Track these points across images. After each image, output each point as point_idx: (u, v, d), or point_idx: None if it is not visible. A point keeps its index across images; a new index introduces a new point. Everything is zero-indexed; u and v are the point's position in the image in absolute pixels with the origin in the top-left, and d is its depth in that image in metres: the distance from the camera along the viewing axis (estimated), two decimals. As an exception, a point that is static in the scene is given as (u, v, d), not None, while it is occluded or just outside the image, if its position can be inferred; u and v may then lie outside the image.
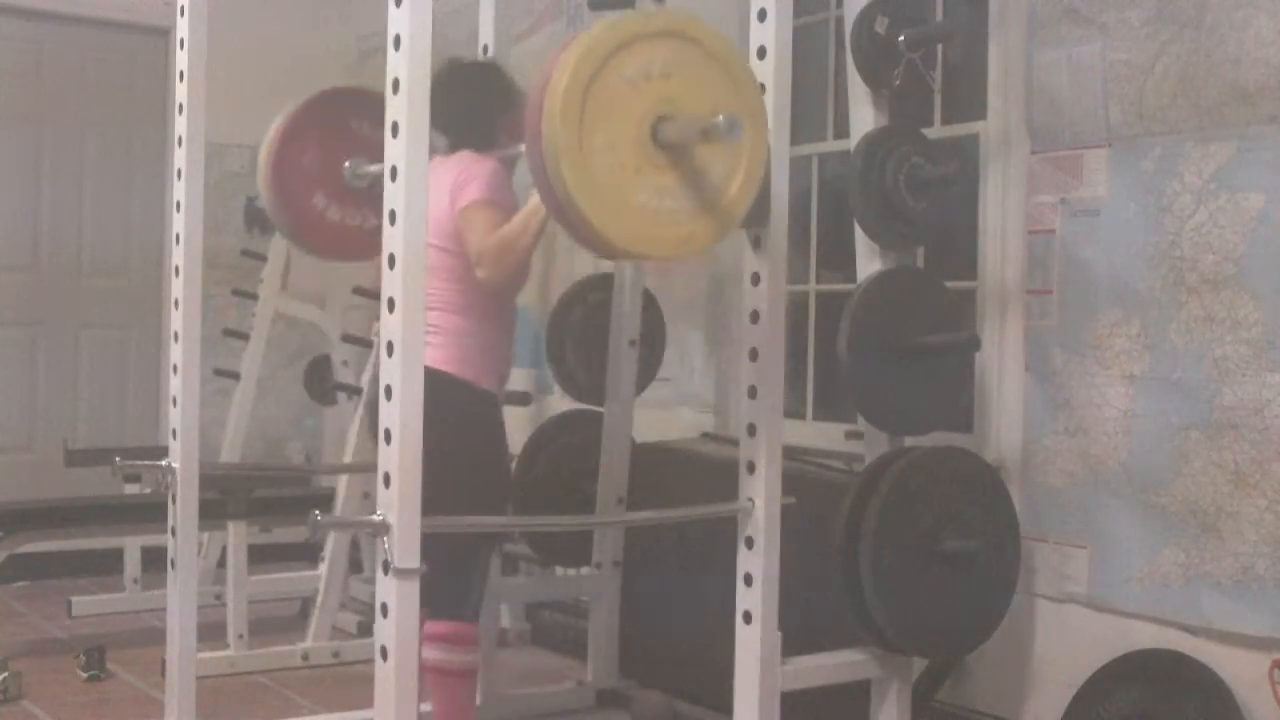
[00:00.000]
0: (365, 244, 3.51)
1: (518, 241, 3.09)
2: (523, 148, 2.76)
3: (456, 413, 3.11)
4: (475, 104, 3.38)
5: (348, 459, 4.75)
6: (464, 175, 3.19)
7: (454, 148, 3.34)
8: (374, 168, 3.43)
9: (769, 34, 2.92)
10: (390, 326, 2.45)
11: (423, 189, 2.44)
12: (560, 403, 4.50)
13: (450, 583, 3.14)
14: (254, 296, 5.42)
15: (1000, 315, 3.57)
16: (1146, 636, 3.18)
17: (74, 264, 6.03)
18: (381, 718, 2.47)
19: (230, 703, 4.08)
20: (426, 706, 3.24)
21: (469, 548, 3.19)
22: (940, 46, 3.55)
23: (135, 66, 6.10)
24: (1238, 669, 3.01)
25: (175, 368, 3.24)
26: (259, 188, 3.77)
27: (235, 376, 5.38)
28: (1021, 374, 3.50)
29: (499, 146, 3.34)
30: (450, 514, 2.77)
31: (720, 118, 2.44)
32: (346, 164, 3.67)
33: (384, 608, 2.45)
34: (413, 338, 2.44)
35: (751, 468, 2.98)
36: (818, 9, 4.28)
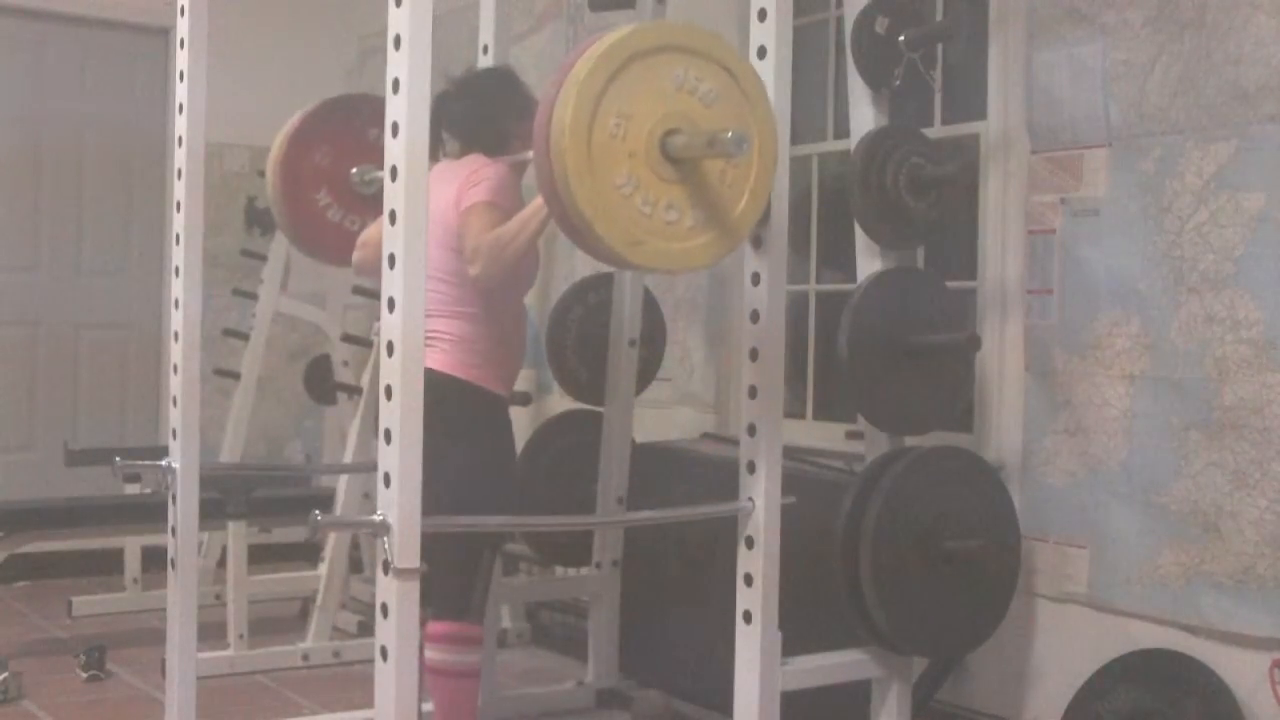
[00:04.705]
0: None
1: (514, 241, 3.04)
2: (532, 154, 2.76)
3: (465, 417, 3.14)
4: (491, 108, 3.37)
5: (348, 459, 4.74)
6: (472, 177, 3.17)
7: (464, 150, 3.34)
8: (381, 174, 3.46)
9: (769, 34, 2.92)
10: (390, 326, 2.44)
11: (423, 189, 2.44)
12: (560, 403, 4.49)
13: (452, 583, 3.16)
14: (254, 296, 5.42)
15: (1000, 315, 3.57)
16: (1146, 636, 3.18)
17: (74, 264, 6.03)
18: (381, 718, 2.47)
19: (230, 703, 4.08)
20: (429, 706, 3.24)
21: (472, 549, 3.20)
22: (940, 46, 3.55)
23: (135, 66, 6.09)
24: (1238, 669, 3.01)
25: (175, 368, 3.24)
26: (266, 174, 3.81)
27: (235, 376, 5.37)
28: (1021, 374, 3.50)
29: (510, 152, 3.31)
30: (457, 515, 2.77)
31: (729, 133, 2.45)
32: (354, 169, 3.73)
33: (384, 608, 2.45)
34: (413, 338, 2.44)
35: (751, 468, 2.98)
36: (818, 9, 4.28)
